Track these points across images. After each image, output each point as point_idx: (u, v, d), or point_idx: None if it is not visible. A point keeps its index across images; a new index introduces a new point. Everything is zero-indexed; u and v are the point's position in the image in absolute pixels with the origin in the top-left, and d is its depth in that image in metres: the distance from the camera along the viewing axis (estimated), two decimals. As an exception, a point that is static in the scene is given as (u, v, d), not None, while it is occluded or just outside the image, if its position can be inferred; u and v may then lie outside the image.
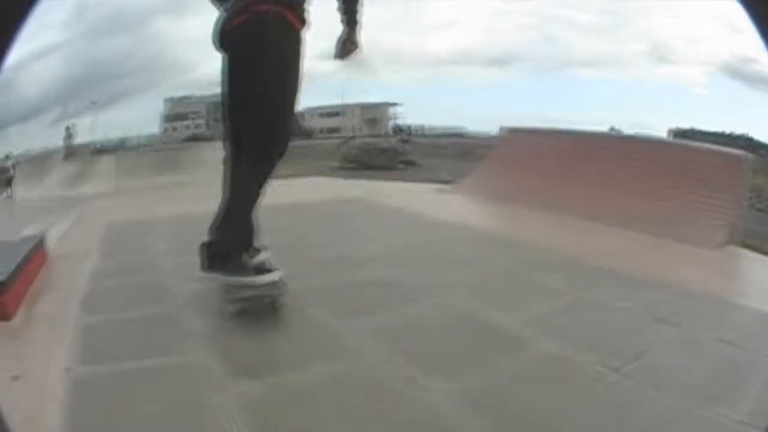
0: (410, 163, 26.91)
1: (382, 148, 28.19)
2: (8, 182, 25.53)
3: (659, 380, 2.56)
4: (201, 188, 7.54)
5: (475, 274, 4.32)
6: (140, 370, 2.88)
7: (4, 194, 24.99)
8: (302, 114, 74.29)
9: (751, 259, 5.32)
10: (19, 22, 1.43)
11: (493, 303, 3.57)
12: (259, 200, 3.51)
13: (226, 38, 3.39)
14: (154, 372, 2.86)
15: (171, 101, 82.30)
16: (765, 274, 5.00)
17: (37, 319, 3.72)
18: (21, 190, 23.57)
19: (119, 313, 3.71)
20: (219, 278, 3.56)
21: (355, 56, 3.75)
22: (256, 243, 3.71)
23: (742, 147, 8.55)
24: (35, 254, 4.82)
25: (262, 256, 3.66)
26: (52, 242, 5.78)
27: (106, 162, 24.11)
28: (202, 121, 76.37)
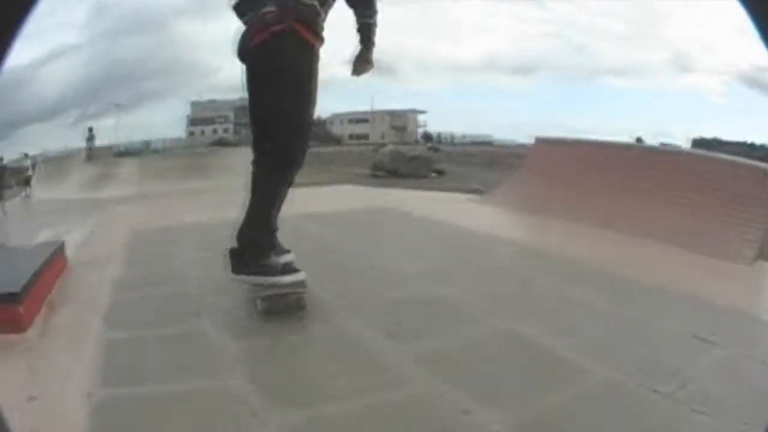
0: (440, 172, 26.83)
1: (412, 156, 28.12)
2: (26, 182, 25.62)
3: (709, 405, 2.50)
4: (227, 194, 7.41)
5: (516, 291, 4.26)
6: (169, 394, 2.73)
7: (23, 194, 25.09)
8: (330, 120, 74.93)
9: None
10: (19, 22, 1.45)
11: (538, 323, 3.50)
12: (280, 205, 3.82)
13: (246, 55, 3.68)
14: (185, 397, 2.70)
15: (197, 104, 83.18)
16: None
17: (55, 333, 3.60)
18: (40, 191, 23.61)
19: (144, 329, 3.57)
20: (247, 280, 3.79)
21: (368, 74, 4.01)
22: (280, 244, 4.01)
23: (761, 157, 8.69)
24: (54, 261, 4.72)
25: (288, 257, 3.98)
26: (71, 248, 5.69)
27: (130, 165, 24.12)
28: (229, 125, 77.12)
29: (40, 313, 3.85)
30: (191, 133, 77.43)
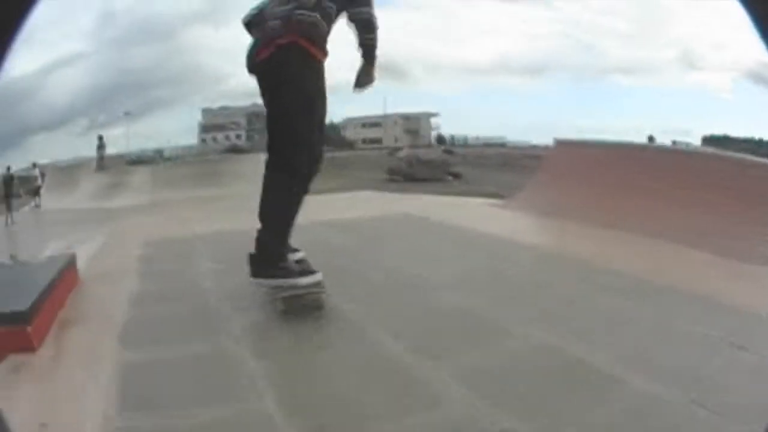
0: (456, 175, 27.02)
1: (427, 160, 28.33)
2: (36, 191, 25.78)
3: (750, 417, 2.35)
4: (241, 202, 7.37)
5: (549, 301, 4.12)
6: (191, 422, 2.57)
7: (32, 203, 25.21)
8: (344, 125, 75.35)
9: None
10: (19, 22, 1.46)
11: (574, 335, 3.39)
12: (296, 212, 3.99)
13: (254, 68, 3.97)
14: (209, 425, 2.54)
15: (209, 111, 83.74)
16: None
17: (67, 354, 3.44)
18: (49, 200, 23.70)
19: (163, 349, 3.41)
20: (266, 283, 3.96)
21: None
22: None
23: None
24: (65, 276, 4.58)
25: (299, 255, 4.31)
26: (83, 260, 5.57)
27: (142, 173, 24.09)
28: (241, 132, 77.57)
29: (50, 331, 3.71)
30: (203, 141, 78.03)
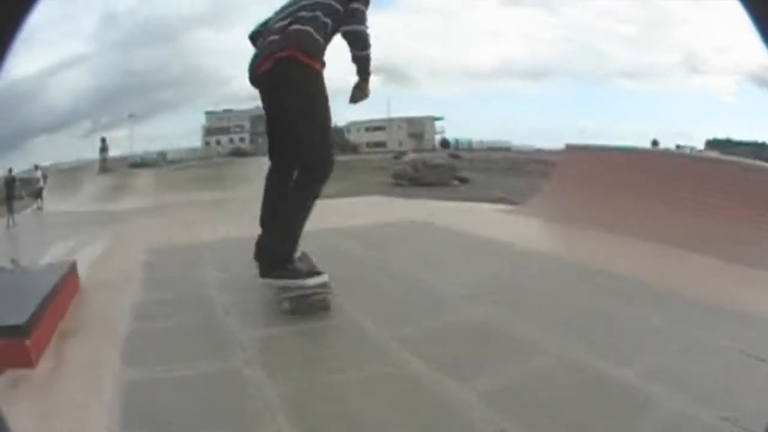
0: (462, 180, 26.95)
1: (434, 164, 28.27)
2: (38, 194, 25.69)
3: None
4: (246, 206, 7.28)
5: (571, 313, 4.04)
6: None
7: (34, 206, 25.12)
8: (348, 128, 75.53)
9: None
10: (19, 22, 1.44)
11: (597, 349, 3.33)
12: (307, 215, 4.15)
13: (256, 80, 4.27)
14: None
15: (212, 114, 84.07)
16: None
17: (67, 369, 3.31)
18: (51, 203, 23.61)
19: (170, 366, 3.24)
20: (274, 283, 4.11)
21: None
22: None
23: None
24: (65, 284, 4.46)
25: (302, 255, 4.41)
26: (85, 267, 5.47)
27: (145, 176, 23.98)
28: (245, 135, 77.87)
29: (50, 344, 3.60)
30: (207, 143, 78.35)
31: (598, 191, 8.03)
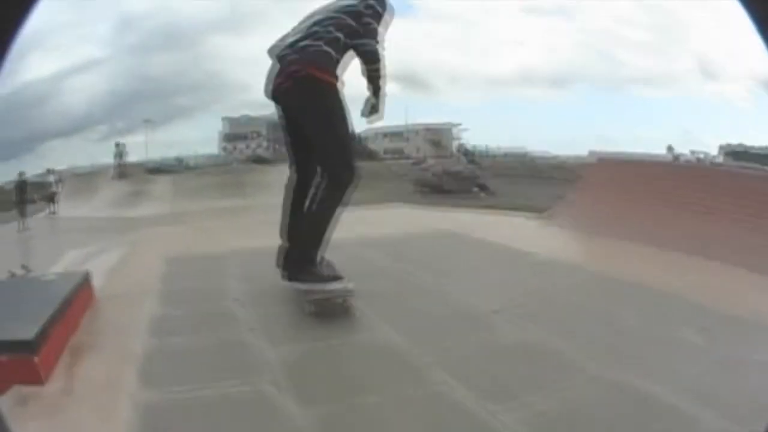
0: (484, 188, 26.66)
1: (456, 171, 28.08)
2: (52, 198, 25.71)
3: None
4: (268, 214, 7.10)
5: (611, 331, 3.91)
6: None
7: (48, 210, 25.16)
8: (366, 135, 75.52)
9: None
10: (19, 22, 1.50)
11: (641, 369, 3.19)
12: (330, 221, 4.37)
13: (273, 95, 4.56)
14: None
15: (231, 120, 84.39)
16: None
17: (79, 389, 3.13)
18: (66, 208, 23.61)
19: (190, 388, 3.05)
20: (299, 287, 4.32)
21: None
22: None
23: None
24: (78, 296, 4.31)
25: (326, 261, 4.55)
26: (99, 277, 5.29)
27: (162, 182, 23.91)
28: (263, 142, 78.06)
29: (61, 359, 3.43)
30: (225, 150, 78.59)
31: (626, 201, 7.95)
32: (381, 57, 4.50)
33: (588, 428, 2.66)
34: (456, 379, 3.08)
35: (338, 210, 4.39)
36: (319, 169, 4.52)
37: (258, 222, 9.87)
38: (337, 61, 4.38)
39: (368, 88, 4.61)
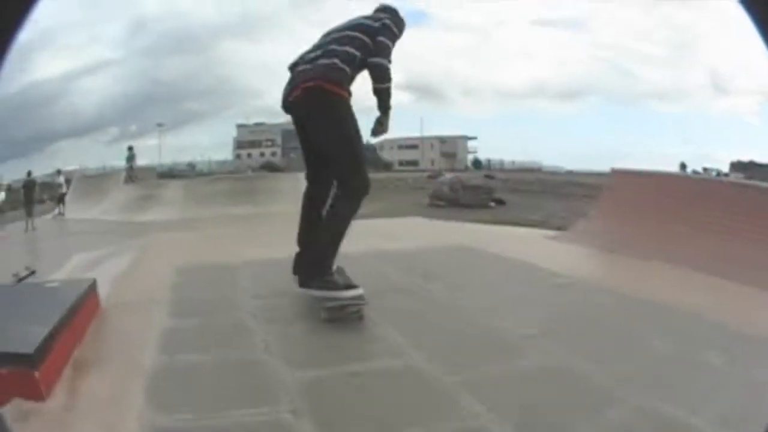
0: (500, 202, 26.66)
1: (472, 185, 27.99)
2: (60, 199, 25.70)
3: None
4: (281, 223, 6.96)
5: (645, 359, 3.74)
6: None
7: (56, 211, 25.16)
8: (380, 146, 75.92)
9: None
10: (19, 22, 1.53)
11: (678, 398, 3.05)
12: (345, 230, 4.51)
13: (287, 106, 4.75)
14: None
15: (244, 127, 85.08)
16: None
17: (83, 407, 2.97)
18: (74, 209, 23.58)
19: (203, 414, 2.87)
20: (313, 293, 4.46)
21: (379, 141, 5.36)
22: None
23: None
24: (83, 306, 4.16)
25: (339, 269, 4.70)
26: (106, 284, 5.19)
27: (173, 187, 23.66)
28: (276, 149, 78.54)
29: (64, 374, 3.28)
30: (238, 156, 79.15)
31: (648, 218, 7.89)
32: (390, 76, 4.68)
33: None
34: (491, 410, 2.91)
35: (350, 219, 4.54)
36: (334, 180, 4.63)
37: (269, 231, 9.80)
38: (352, 78, 4.62)
39: (377, 107, 4.79)
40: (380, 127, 4.83)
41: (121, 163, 29.90)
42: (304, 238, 4.92)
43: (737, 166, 50.09)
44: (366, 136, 4.73)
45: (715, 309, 4.59)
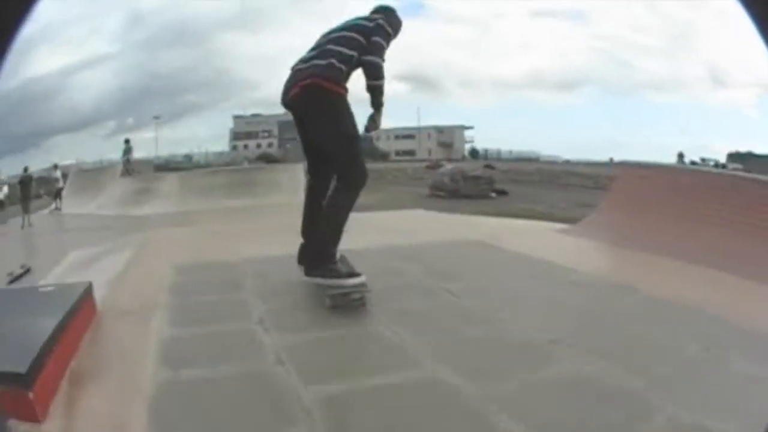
0: (501, 192, 26.63)
1: (473, 176, 27.91)
2: (57, 194, 25.50)
3: None
4: (281, 216, 6.77)
5: (676, 363, 3.60)
6: None
7: (53, 206, 24.96)
8: (377, 136, 75.91)
9: None
10: (19, 22, 1.53)
11: (714, 407, 2.93)
12: (345, 219, 4.73)
13: (287, 103, 4.94)
14: None
15: (240, 118, 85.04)
16: None
17: (82, 427, 2.78)
18: (71, 204, 23.38)
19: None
20: (318, 282, 4.68)
21: (376, 134, 5.50)
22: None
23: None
24: (78, 313, 3.97)
25: (342, 257, 4.89)
26: (102, 286, 5.03)
27: (170, 180, 23.35)
28: (273, 140, 78.54)
29: (62, 386, 3.13)
30: (234, 148, 79.16)
31: (659, 213, 7.81)
32: (383, 74, 4.86)
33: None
34: (524, 424, 2.74)
35: (350, 208, 4.76)
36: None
37: (270, 224, 9.59)
38: (347, 74, 4.82)
39: (370, 104, 4.96)
40: (373, 124, 5.04)
41: (118, 156, 29.73)
42: (307, 228, 5.12)
43: (735, 157, 50.42)
44: (360, 130, 4.95)
45: (741, 311, 4.39)
